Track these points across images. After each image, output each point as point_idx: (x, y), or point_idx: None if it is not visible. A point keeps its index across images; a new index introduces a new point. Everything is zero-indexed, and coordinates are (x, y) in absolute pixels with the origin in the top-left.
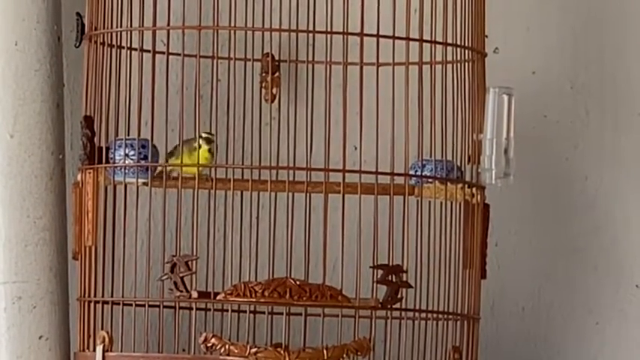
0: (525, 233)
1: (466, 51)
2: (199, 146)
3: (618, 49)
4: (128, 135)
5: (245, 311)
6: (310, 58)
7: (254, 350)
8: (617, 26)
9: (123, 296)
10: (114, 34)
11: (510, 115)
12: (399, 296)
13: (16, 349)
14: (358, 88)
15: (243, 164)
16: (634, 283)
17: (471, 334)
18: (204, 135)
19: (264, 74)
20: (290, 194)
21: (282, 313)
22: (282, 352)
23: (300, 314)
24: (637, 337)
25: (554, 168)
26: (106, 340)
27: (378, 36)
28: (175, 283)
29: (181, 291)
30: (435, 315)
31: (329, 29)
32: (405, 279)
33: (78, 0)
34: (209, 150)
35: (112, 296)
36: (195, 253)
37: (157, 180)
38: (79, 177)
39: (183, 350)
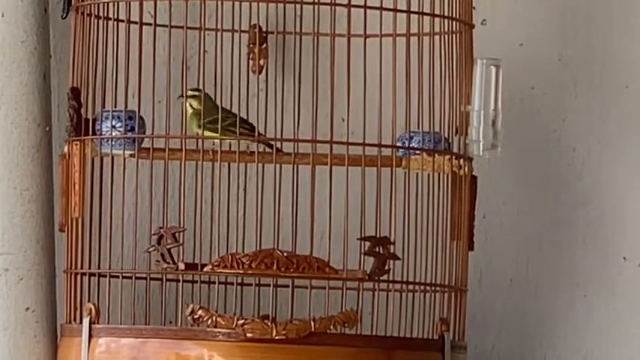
0: (513, 205)
1: (454, 22)
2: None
3: (606, 20)
4: (115, 107)
5: (232, 283)
6: (298, 30)
7: (241, 322)
8: None
9: (110, 268)
10: (101, 6)
11: (498, 86)
12: (386, 268)
13: (3, 321)
14: (346, 60)
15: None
16: (621, 255)
17: (459, 306)
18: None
19: (251, 46)
20: (277, 166)
21: (269, 285)
22: (269, 323)
23: (288, 286)
24: (624, 309)
25: (541, 140)
26: (93, 312)
27: (365, 7)
28: (162, 255)
29: (168, 263)
30: (422, 287)
31: (316, 0)
32: (392, 251)
33: None
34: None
35: (98, 268)
36: (182, 225)
37: (143, 152)
38: (65, 149)
39: (170, 322)
